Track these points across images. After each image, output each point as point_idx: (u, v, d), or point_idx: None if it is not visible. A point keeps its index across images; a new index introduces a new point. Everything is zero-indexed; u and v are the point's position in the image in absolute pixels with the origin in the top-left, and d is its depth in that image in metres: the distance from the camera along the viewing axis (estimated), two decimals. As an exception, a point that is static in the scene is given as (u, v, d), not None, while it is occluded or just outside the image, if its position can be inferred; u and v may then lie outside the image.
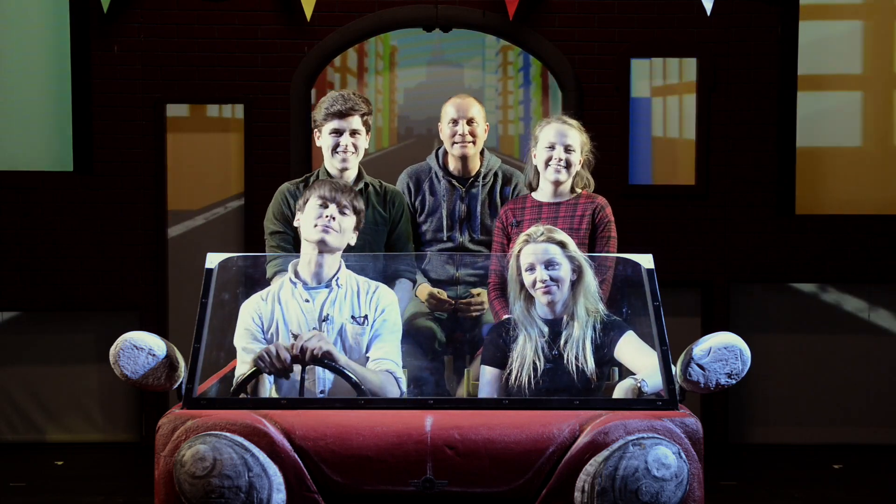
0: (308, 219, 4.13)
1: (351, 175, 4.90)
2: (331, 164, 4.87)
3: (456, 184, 5.19)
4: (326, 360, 3.86)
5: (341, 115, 4.79)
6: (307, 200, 4.17)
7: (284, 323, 4.09)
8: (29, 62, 7.27)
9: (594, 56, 7.25)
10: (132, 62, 7.20)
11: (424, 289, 5.04)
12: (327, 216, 4.09)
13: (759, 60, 7.26)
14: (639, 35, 7.26)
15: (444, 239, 5.17)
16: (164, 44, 7.18)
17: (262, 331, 4.08)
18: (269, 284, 4.34)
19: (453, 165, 5.21)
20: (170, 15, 7.19)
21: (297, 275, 4.16)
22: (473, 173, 5.20)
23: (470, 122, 5.10)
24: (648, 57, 7.29)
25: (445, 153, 5.24)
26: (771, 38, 7.26)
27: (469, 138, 5.11)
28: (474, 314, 4.96)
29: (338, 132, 4.82)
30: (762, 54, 7.26)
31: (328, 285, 4.13)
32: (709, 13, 6.69)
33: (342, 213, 4.12)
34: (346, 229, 4.14)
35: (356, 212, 4.18)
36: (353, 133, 4.82)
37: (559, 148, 4.77)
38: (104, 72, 7.19)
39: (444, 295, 4.98)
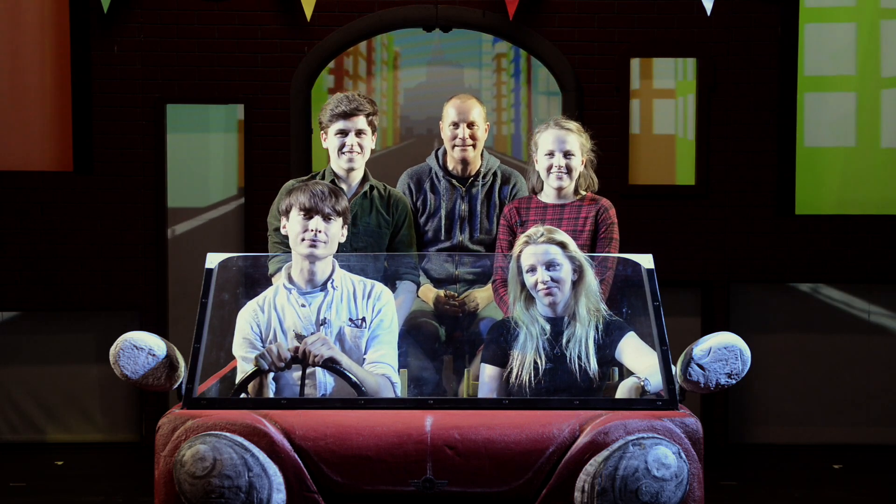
0: (293, 230, 4.08)
1: (357, 176, 4.91)
2: (337, 164, 4.88)
3: (456, 183, 5.20)
4: (329, 364, 3.86)
5: (346, 115, 4.80)
6: (289, 208, 4.12)
7: (282, 330, 4.08)
8: (29, 62, 7.27)
9: (594, 56, 7.25)
10: (132, 62, 7.20)
11: (429, 290, 5.05)
12: (312, 229, 4.04)
13: (759, 60, 7.26)
14: (639, 35, 7.26)
15: (444, 238, 5.18)
16: (164, 44, 7.19)
17: (261, 339, 4.08)
18: (270, 283, 4.34)
19: (453, 165, 5.22)
20: (170, 15, 7.19)
21: (290, 280, 4.15)
22: (473, 172, 5.21)
23: (471, 125, 5.12)
24: (648, 57, 7.29)
25: (445, 153, 5.25)
26: (771, 38, 7.26)
27: (469, 142, 5.13)
28: (471, 307, 5.00)
29: (343, 133, 4.83)
30: (762, 54, 7.26)
31: (323, 288, 4.12)
32: (709, 13, 6.70)
33: (327, 220, 4.06)
34: (333, 236, 4.09)
35: (341, 213, 4.11)
36: (359, 133, 4.83)
37: (558, 155, 4.78)
38: (104, 72, 7.19)
39: (452, 297, 5.00)
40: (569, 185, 4.84)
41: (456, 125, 5.12)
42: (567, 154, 4.79)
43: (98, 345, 7.30)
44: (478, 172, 5.22)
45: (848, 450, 7.23)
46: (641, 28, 7.25)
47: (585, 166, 4.87)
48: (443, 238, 5.19)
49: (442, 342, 4.91)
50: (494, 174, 5.23)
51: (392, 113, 7.54)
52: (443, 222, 5.18)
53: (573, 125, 4.84)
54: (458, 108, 5.14)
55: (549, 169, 4.80)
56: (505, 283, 4.66)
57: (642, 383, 3.92)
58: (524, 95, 7.53)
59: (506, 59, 7.51)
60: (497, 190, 5.21)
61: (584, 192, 4.89)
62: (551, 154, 4.79)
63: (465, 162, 5.17)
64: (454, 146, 5.14)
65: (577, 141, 4.80)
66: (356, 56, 7.50)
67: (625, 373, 4.21)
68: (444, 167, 5.24)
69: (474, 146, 5.15)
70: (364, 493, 3.44)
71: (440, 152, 5.27)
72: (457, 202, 5.19)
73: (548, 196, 4.89)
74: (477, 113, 5.15)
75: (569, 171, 4.80)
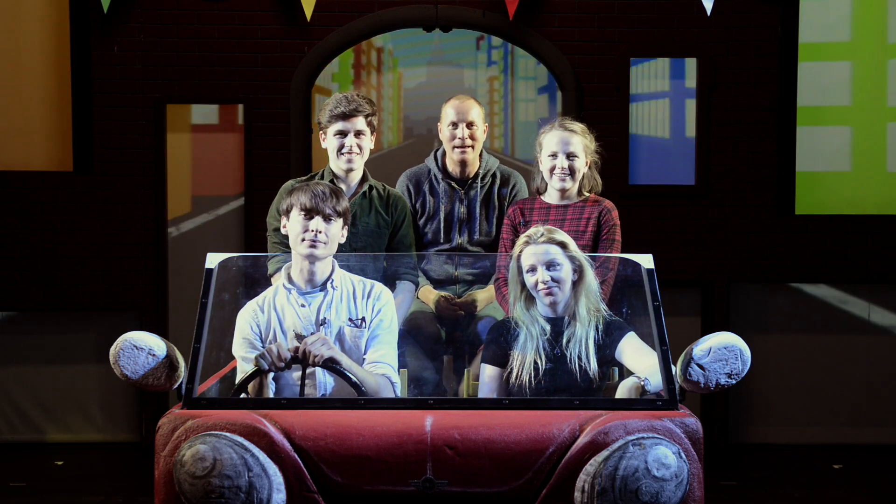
0: (294, 230, 4.08)
1: (356, 176, 4.91)
2: (336, 165, 4.88)
3: (455, 185, 5.20)
4: (329, 364, 3.86)
5: (345, 116, 4.80)
6: (290, 208, 4.12)
7: (282, 330, 4.08)
8: (29, 62, 7.27)
9: (594, 56, 7.24)
10: (132, 62, 7.20)
11: (428, 291, 5.05)
12: (313, 230, 4.04)
13: (759, 60, 7.26)
14: (639, 35, 7.26)
15: (443, 241, 5.18)
16: (164, 44, 7.18)
17: (261, 339, 4.08)
18: (269, 284, 4.34)
19: (452, 167, 5.22)
20: (170, 15, 7.19)
21: (290, 280, 4.15)
22: (472, 174, 5.21)
23: (469, 125, 5.11)
24: (648, 57, 7.30)
25: (444, 154, 5.25)
26: (771, 38, 7.26)
27: (469, 142, 5.12)
28: (469, 309, 5.00)
29: (342, 133, 4.83)
30: (762, 54, 7.26)
31: (323, 288, 4.12)
32: (709, 13, 6.70)
33: (327, 221, 4.06)
34: (333, 237, 4.09)
35: (341, 214, 4.11)
36: (358, 134, 4.83)
37: (562, 157, 4.78)
38: (104, 72, 7.19)
39: (453, 300, 5.00)
40: (572, 187, 4.84)
41: (455, 125, 5.12)
42: (570, 156, 4.79)
43: (98, 345, 7.30)
44: (476, 174, 5.21)
45: (848, 450, 7.22)
46: (641, 28, 7.25)
47: (589, 168, 4.87)
48: (442, 240, 5.19)
49: (442, 342, 4.91)
50: (493, 175, 5.23)
51: (396, 115, 7.55)
52: (442, 224, 5.18)
53: (578, 126, 4.84)
54: (456, 108, 5.14)
55: (552, 170, 4.80)
56: (507, 282, 4.66)
57: (642, 383, 3.92)
58: (510, 99, 7.55)
59: (497, 82, 7.52)
60: (496, 191, 5.21)
61: (587, 194, 4.89)
62: (555, 155, 4.79)
63: (464, 164, 5.17)
64: (454, 147, 5.14)
65: (581, 143, 4.80)
66: (369, 66, 7.52)
67: (625, 373, 4.21)
68: (443, 169, 5.23)
69: (473, 147, 5.15)
70: (364, 493, 3.44)
71: (439, 153, 5.27)
72: (455, 204, 5.19)
73: (551, 197, 4.89)
74: (476, 113, 5.14)
75: (572, 172, 4.80)
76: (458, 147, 5.12)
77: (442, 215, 5.18)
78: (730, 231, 7.32)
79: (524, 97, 7.57)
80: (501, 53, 7.50)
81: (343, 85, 7.42)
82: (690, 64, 7.28)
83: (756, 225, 7.31)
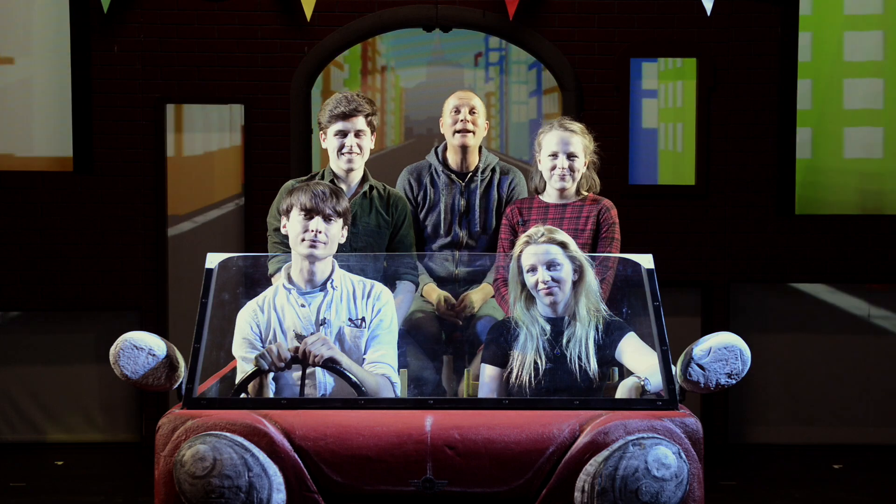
0: (294, 230, 4.08)
1: (356, 176, 4.92)
2: (336, 165, 4.88)
3: (455, 178, 5.21)
4: (329, 364, 3.87)
5: (345, 116, 4.81)
6: (290, 208, 4.12)
7: (282, 330, 4.08)
8: (29, 62, 7.27)
9: (594, 56, 7.25)
10: (132, 62, 7.20)
11: (432, 290, 5.06)
12: (313, 230, 4.04)
13: (759, 60, 7.26)
14: (639, 35, 7.26)
15: (443, 233, 5.19)
16: (164, 44, 7.19)
17: (261, 339, 4.08)
18: (269, 284, 4.34)
19: (453, 159, 5.24)
20: (170, 15, 7.19)
21: (290, 280, 4.15)
22: (472, 168, 5.23)
23: (472, 111, 5.14)
24: (648, 57, 7.30)
25: (445, 149, 5.27)
26: (771, 37, 7.26)
27: (470, 126, 5.14)
28: (467, 313, 5.00)
29: (342, 133, 4.83)
30: (762, 54, 7.26)
31: (323, 288, 4.12)
32: (709, 13, 6.70)
33: (327, 221, 4.06)
34: (333, 237, 4.09)
35: (341, 214, 4.11)
36: (358, 134, 4.83)
37: (562, 157, 4.80)
38: (104, 72, 7.19)
39: (451, 303, 5.00)
40: (571, 187, 4.86)
41: (457, 111, 5.16)
42: (570, 156, 4.80)
43: (98, 345, 7.30)
44: (476, 168, 5.23)
45: (848, 450, 7.23)
46: (641, 28, 7.25)
47: (588, 168, 4.88)
48: (442, 233, 5.20)
49: (442, 342, 4.91)
50: (493, 170, 5.25)
51: (398, 115, 7.56)
52: (442, 216, 5.19)
53: (577, 126, 4.85)
54: (459, 97, 5.23)
55: (552, 170, 4.81)
56: (506, 283, 4.66)
57: (642, 383, 3.92)
58: (505, 101, 7.57)
59: (494, 97, 7.54)
60: (496, 184, 5.22)
61: (585, 193, 4.90)
62: (555, 155, 4.80)
63: (464, 150, 5.18)
64: (455, 132, 5.16)
65: (580, 143, 4.81)
66: (374, 68, 7.54)
67: (625, 373, 4.21)
68: (443, 162, 5.26)
69: (474, 133, 5.17)
70: (364, 493, 3.44)
71: (440, 149, 5.30)
72: (455, 197, 5.20)
73: (550, 196, 4.90)
74: (477, 102, 5.22)
75: (572, 172, 4.81)
76: (459, 131, 5.14)
77: (442, 206, 5.19)
78: (730, 231, 7.32)
79: (517, 100, 7.59)
80: (498, 70, 7.53)
81: (353, 90, 7.43)
82: (647, 66, 7.30)
83: (756, 225, 7.31)
